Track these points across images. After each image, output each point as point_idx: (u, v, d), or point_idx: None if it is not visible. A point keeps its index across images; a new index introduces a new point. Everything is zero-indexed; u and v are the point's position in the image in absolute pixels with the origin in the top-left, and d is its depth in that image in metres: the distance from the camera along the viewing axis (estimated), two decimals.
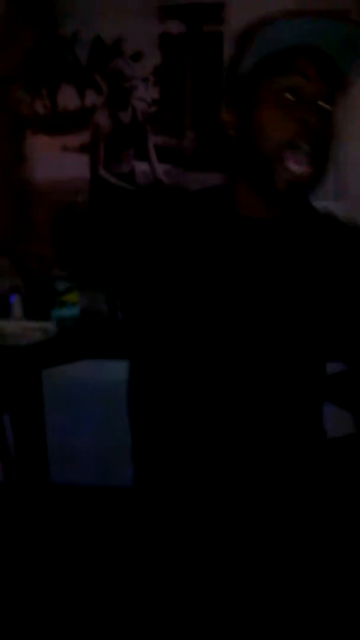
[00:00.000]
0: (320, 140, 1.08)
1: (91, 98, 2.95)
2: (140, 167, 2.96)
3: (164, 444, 1.24)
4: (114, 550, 2.63)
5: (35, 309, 2.79)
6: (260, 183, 1.13)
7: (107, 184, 2.99)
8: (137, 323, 1.26)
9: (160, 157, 2.92)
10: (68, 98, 2.97)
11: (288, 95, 1.08)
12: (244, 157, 1.16)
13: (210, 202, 1.22)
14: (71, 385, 3.01)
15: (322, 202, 1.24)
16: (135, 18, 2.78)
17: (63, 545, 2.68)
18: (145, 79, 2.88)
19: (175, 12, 2.77)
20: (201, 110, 2.80)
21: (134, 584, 1.35)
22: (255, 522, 1.19)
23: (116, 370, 2.94)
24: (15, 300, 2.76)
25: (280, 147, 1.08)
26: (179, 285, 1.18)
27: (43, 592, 2.43)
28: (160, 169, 2.93)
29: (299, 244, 1.17)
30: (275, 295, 1.14)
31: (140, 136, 2.93)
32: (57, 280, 2.81)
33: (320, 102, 1.09)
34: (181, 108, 2.85)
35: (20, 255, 3.08)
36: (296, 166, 1.08)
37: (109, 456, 3.06)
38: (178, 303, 1.18)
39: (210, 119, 2.75)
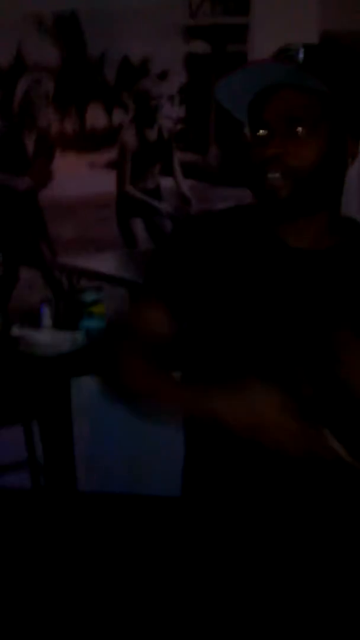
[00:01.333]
0: (293, 166, 1.15)
1: (118, 117, 3.04)
2: (166, 183, 3.04)
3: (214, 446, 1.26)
4: (136, 556, 2.67)
5: (64, 320, 2.86)
6: (255, 193, 1.21)
7: (133, 200, 3.08)
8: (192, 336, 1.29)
9: (185, 173, 3.00)
10: (96, 117, 3.07)
11: (261, 132, 1.17)
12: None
13: (252, 224, 1.26)
14: (99, 395, 3.07)
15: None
16: (161, 38, 2.88)
17: (87, 551, 2.72)
18: (171, 97, 2.97)
19: (200, 33, 2.86)
20: (225, 128, 2.87)
21: (167, 585, 1.38)
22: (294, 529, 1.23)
23: None
24: (45, 311, 2.83)
25: (257, 171, 1.17)
26: (228, 309, 1.22)
27: (66, 597, 2.47)
28: (186, 184, 3.01)
29: (346, 276, 1.21)
30: (318, 319, 1.18)
31: (165, 153, 3.01)
32: (85, 292, 2.88)
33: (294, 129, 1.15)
34: (206, 125, 2.93)
35: (50, 268, 3.16)
36: (272, 184, 1.16)
37: (135, 465, 3.12)
38: (227, 325, 1.22)
39: (234, 136, 2.82)
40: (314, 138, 1.16)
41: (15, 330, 2.72)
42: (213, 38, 2.85)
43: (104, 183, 3.10)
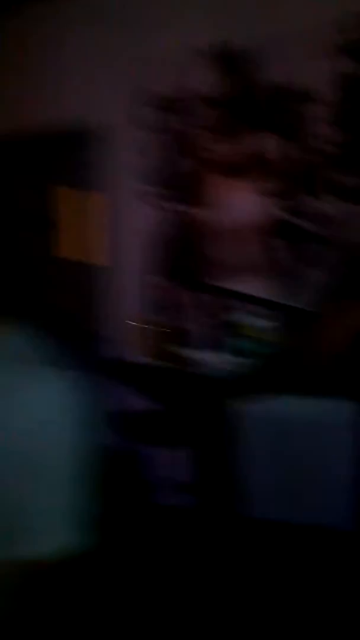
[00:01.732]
0: None
1: (274, 141, 3.07)
2: (319, 206, 3.02)
3: None
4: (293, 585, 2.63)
5: (219, 341, 2.90)
6: None
7: (285, 224, 3.08)
8: None
9: (341, 195, 2.96)
10: (251, 141, 3.11)
11: None
12: None
13: None
14: (267, 420, 3.03)
15: None
16: (316, 61, 2.86)
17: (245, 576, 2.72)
18: (325, 119, 2.95)
19: (354, 52, 2.83)
20: None
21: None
22: None
23: (311, 407, 2.94)
24: (202, 333, 2.88)
25: None
26: None
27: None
28: (342, 208, 2.97)
29: None
30: None
31: (321, 177, 3.00)
32: (242, 315, 2.91)
33: None
34: None
35: (207, 291, 3.22)
36: None
37: (299, 493, 3.04)
38: None
39: None
40: None
41: (177, 350, 2.79)
42: None
43: (260, 208, 3.13)
